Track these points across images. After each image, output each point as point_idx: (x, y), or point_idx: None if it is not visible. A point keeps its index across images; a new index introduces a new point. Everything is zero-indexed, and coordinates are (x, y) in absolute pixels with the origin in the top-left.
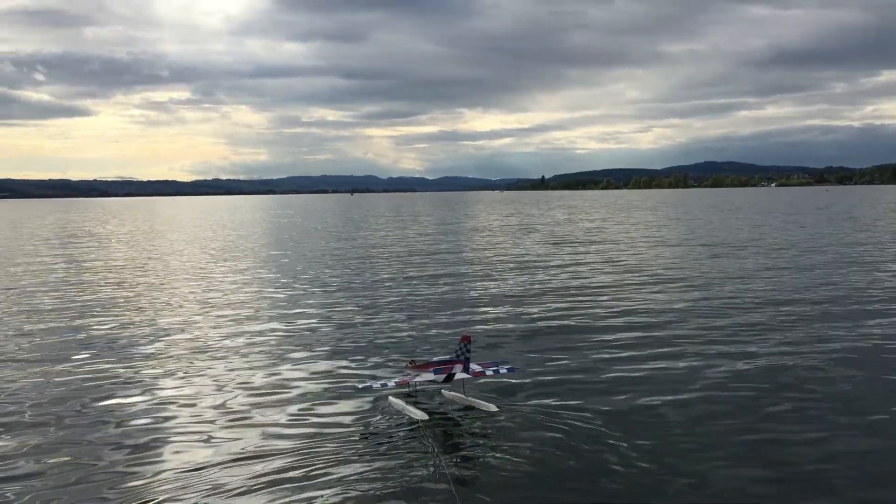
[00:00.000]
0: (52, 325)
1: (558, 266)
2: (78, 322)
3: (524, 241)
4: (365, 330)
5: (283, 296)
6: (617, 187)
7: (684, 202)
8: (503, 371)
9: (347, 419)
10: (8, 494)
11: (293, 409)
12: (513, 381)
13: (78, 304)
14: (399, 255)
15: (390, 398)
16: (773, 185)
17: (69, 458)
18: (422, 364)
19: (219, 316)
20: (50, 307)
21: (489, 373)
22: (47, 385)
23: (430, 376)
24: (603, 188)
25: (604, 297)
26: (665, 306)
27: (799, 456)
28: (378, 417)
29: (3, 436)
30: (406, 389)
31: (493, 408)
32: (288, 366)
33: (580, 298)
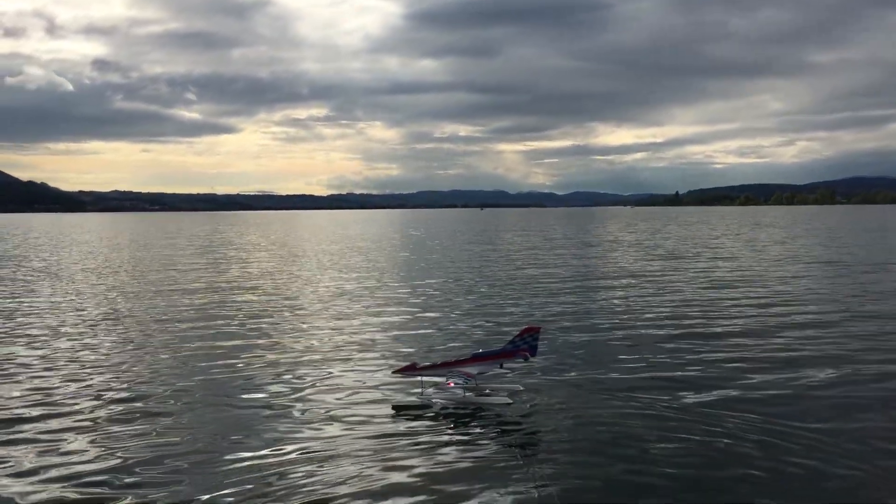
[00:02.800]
0: (201, 320)
1: (658, 277)
2: (223, 317)
3: (634, 255)
4: (467, 330)
5: (397, 298)
6: (756, 203)
7: (830, 219)
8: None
9: (432, 412)
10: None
11: (389, 402)
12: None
13: (226, 303)
14: (508, 262)
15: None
16: None
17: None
18: (427, 366)
19: (341, 315)
20: (202, 306)
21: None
22: (188, 370)
23: (478, 368)
24: (741, 204)
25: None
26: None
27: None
28: (461, 409)
29: (146, 407)
30: (472, 382)
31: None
32: (390, 361)
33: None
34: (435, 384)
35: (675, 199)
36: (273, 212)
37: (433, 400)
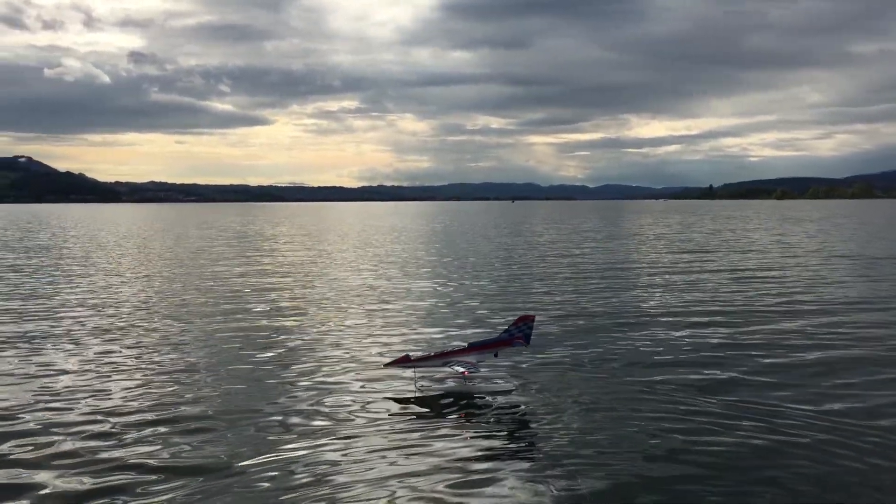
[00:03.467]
0: (231, 308)
1: (665, 271)
2: (254, 306)
3: (662, 248)
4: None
5: (423, 291)
6: (792, 197)
7: (867, 214)
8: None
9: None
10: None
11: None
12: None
13: (256, 290)
14: (531, 258)
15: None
16: None
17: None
18: (421, 357)
19: (365, 304)
20: (234, 293)
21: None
22: (218, 355)
23: (474, 358)
24: (777, 198)
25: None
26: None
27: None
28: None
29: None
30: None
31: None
32: (410, 350)
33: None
34: (435, 374)
35: (709, 193)
36: (304, 203)
37: (427, 389)
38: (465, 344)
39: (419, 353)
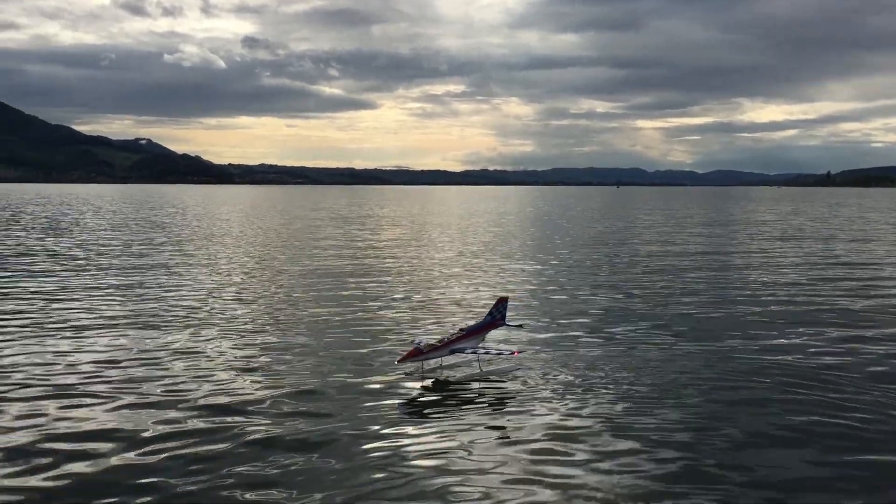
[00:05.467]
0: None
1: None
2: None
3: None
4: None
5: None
6: None
7: None
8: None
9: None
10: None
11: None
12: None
13: (360, 264)
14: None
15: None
16: None
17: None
18: (432, 347)
19: (459, 283)
20: (339, 266)
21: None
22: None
23: (475, 341)
24: None
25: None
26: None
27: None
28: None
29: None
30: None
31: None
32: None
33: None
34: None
35: (827, 180)
36: (408, 187)
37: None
38: (459, 330)
39: (424, 344)
